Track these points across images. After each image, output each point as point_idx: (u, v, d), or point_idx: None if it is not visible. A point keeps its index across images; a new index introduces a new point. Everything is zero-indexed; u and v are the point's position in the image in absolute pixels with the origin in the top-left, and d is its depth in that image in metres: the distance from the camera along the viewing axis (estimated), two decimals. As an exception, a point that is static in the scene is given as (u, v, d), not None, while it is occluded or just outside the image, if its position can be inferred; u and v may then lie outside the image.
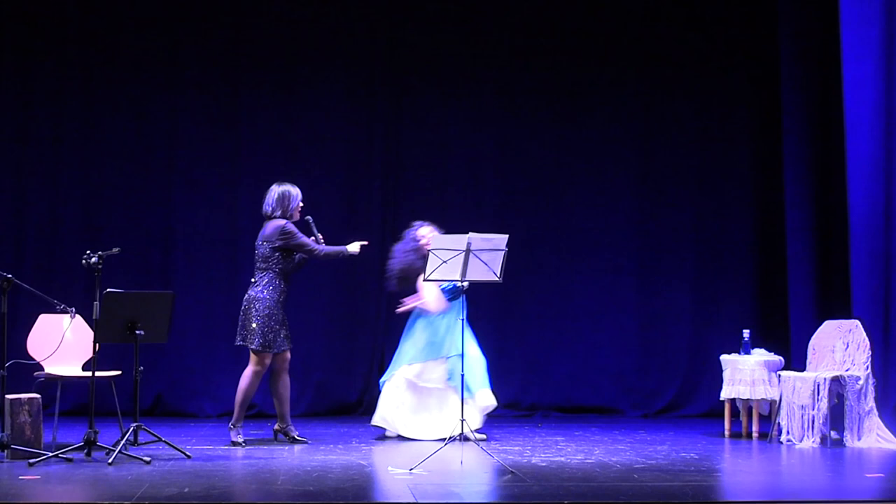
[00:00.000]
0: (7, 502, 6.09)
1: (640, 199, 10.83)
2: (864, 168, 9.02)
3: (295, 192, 8.43)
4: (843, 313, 9.03)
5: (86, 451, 7.40)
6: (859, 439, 8.41)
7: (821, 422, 8.42)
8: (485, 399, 8.76)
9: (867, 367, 8.52)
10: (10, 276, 7.39)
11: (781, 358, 9.12)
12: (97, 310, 7.44)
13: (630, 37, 10.81)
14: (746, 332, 9.15)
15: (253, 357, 8.25)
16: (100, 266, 7.50)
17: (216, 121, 10.53)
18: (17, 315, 8.94)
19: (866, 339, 8.59)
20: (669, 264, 10.80)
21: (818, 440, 8.42)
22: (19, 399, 7.50)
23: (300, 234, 8.32)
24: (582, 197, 10.80)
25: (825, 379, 8.45)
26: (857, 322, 8.70)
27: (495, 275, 7.71)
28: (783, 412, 8.66)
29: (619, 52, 10.81)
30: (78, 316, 7.96)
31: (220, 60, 10.56)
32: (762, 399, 8.90)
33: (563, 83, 10.80)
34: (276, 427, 8.53)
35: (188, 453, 7.61)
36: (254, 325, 8.18)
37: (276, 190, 8.41)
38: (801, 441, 8.48)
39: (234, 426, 8.26)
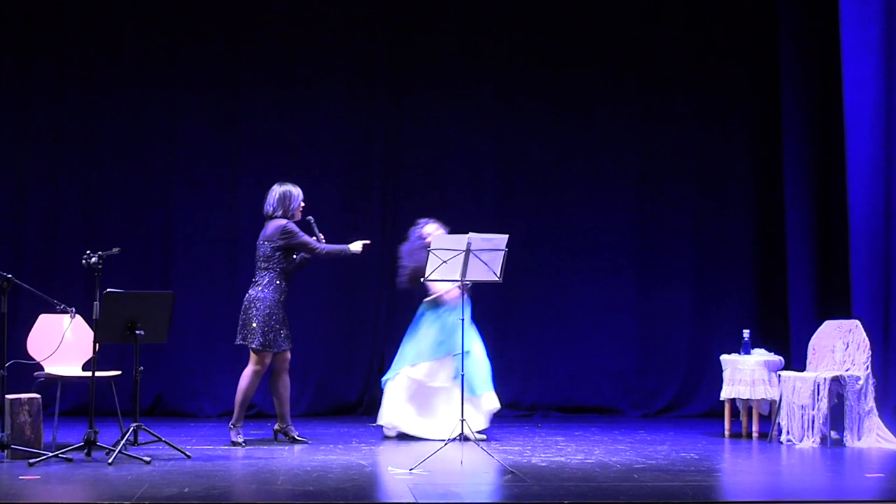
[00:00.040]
0: (7, 502, 6.09)
1: (640, 199, 10.84)
2: (864, 168, 9.02)
3: (296, 192, 8.43)
4: (843, 313, 9.03)
5: (86, 451, 7.40)
6: (859, 439, 8.41)
7: (821, 422, 8.42)
8: (490, 402, 8.75)
9: (867, 367, 8.52)
10: (10, 276, 7.39)
11: (781, 358, 9.12)
12: (97, 310, 7.44)
13: (630, 37, 10.81)
14: (746, 332, 9.15)
15: (253, 356, 8.25)
16: (100, 266, 7.50)
17: (216, 121, 10.53)
18: (17, 315, 8.94)
19: (866, 339, 8.59)
20: (669, 264, 10.80)
21: (818, 440, 8.42)
22: (19, 399, 7.50)
23: (301, 233, 8.32)
24: (582, 197, 10.80)
25: (825, 379, 8.45)
26: (857, 322, 8.70)
27: (495, 275, 7.72)
28: (783, 412, 8.66)
29: (619, 52, 10.81)
30: (78, 316, 7.96)
31: (220, 60, 10.57)
32: (762, 399, 8.90)
33: (563, 83, 10.80)
34: (276, 427, 8.53)
35: (188, 453, 7.61)
36: (254, 324, 8.18)
37: (277, 190, 8.42)
38: (801, 441, 8.48)
39: (234, 426, 8.27)
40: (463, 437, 7.64)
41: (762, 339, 9.71)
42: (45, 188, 10.38)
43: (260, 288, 8.25)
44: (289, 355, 8.43)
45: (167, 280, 10.30)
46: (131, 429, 7.65)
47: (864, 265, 8.98)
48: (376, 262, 10.48)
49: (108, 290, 7.55)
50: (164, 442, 7.71)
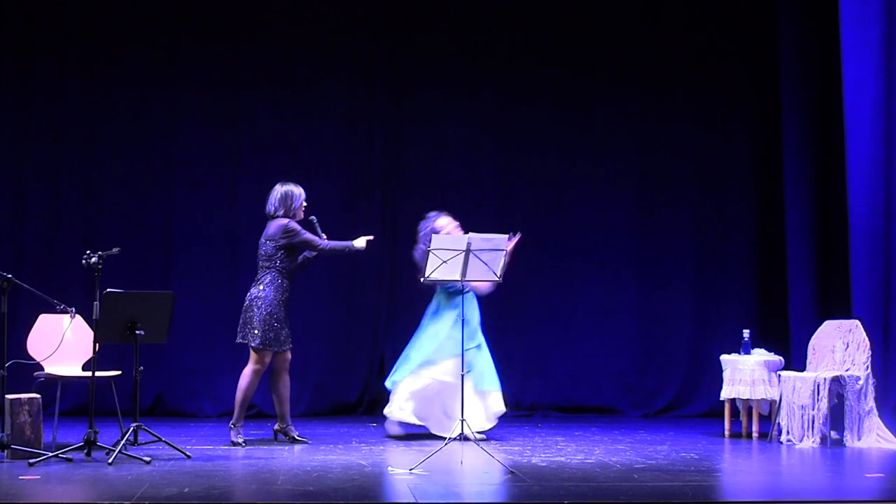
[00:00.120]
0: (7, 502, 6.09)
1: (640, 199, 10.84)
2: (864, 168, 9.01)
3: (298, 191, 8.44)
4: (843, 313, 9.03)
5: (86, 451, 7.40)
6: (859, 439, 8.41)
7: (821, 422, 8.42)
8: (497, 404, 8.72)
9: (867, 367, 8.52)
10: (10, 276, 7.39)
11: (781, 358, 9.12)
12: (97, 310, 7.44)
13: (630, 37, 10.81)
14: (746, 332, 9.15)
15: (253, 355, 8.25)
16: (100, 266, 7.50)
17: (216, 121, 10.53)
18: (17, 315, 8.93)
19: (866, 339, 8.59)
20: (669, 264, 10.80)
21: (818, 440, 8.42)
22: (19, 399, 7.50)
23: (304, 231, 8.33)
24: (582, 197, 10.80)
25: (825, 379, 8.45)
26: (857, 322, 8.70)
27: (495, 275, 7.72)
28: (783, 412, 8.66)
29: (619, 52, 10.81)
30: (78, 316, 7.96)
31: (220, 60, 10.57)
32: (762, 399, 8.90)
33: (563, 83, 10.80)
34: (276, 427, 8.53)
35: (188, 453, 7.61)
36: (255, 322, 8.19)
37: (279, 189, 8.43)
38: (801, 441, 8.48)
39: (235, 426, 8.26)
40: (463, 437, 7.64)
41: (762, 339, 9.70)
42: (45, 188, 10.38)
43: (262, 287, 8.25)
44: (289, 355, 8.43)
45: (167, 280, 10.30)
46: (131, 429, 7.65)
47: (864, 265, 8.98)
48: (376, 263, 10.49)
49: (108, 290, 7.55)
50: (164, 442, 7.71)
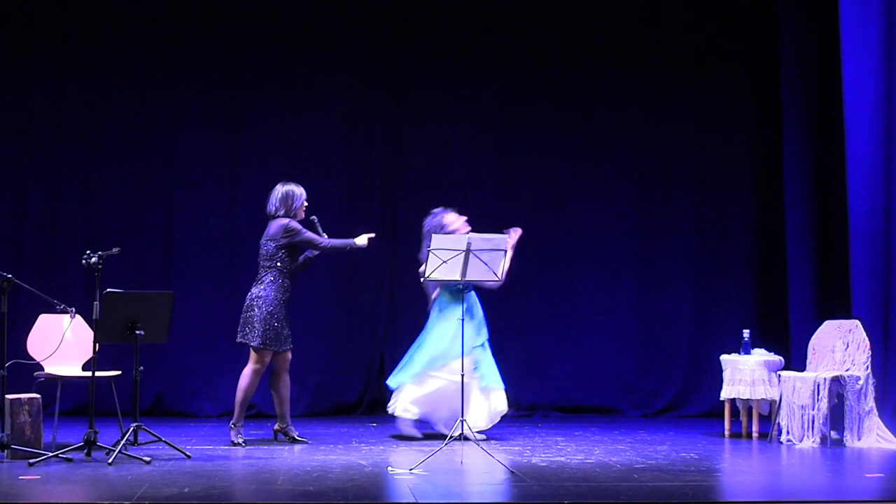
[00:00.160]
0: (7, 502, 6.09)
1: (640, 199, 10.83)
2: (864, 168, 9.01)
3: (299, 191, 8.44)
4: (843, 313, 9.03)
5: (86, 451, 7.40)
6: (859, 439, 8.41)
7: (821, 422, 8.42)
8: (500, 402, 8.71)
9: (867, 367, 8.52)
10: (10, 276, 7.39)
11: (781, 358, 9.12)
12: (97, 310, 7.44)
13: (630, 37, 10.81)
14: (746, 332, 9.15)
15: (253, 355, 8.25)
16: (100, 266, 7.50)
17: (216, 120, 10.53)
18: (17, 315, 8.93)
19: (866, 339, 8.59)
20: (669, 264, 10.80)
21: (818, 440, 8.42)
22: (19, 399, 7.50)
23: (305, 230, 8.34)
24: (582, 197, 10.80)
25: (825, 379, 8.45)
26: (857, 322, 8.70)
27: (495, 275, 7.72)
28: (783, 412, 8.66)
29: (619, 52, 10.81)
30: (78, 316, 7.96)
31: (220, 60, 10.56)
32: (762, 399, 8.90)
33: (563, 83, 10.80)
34: (276, 427, 8.53)
35: (188, 453, 7.61)
36: (255, 322, 8.19)
37: (280, 189, 8.43)
38: (801, 441, 8.48)
39: (235, 426, 8.26)
40: (463, 437, 7.64)
41: (762, 339, 9.71)
42: (45, 188, 10.38)
43: (263, 286, 8.25)
44: (290, 355, 8.43)
45: (167, 280, 10.30)
46: (131, 429, 7.65)
47: (864, 265, 8.98)
48: (376, 263, 10.49)
49: (108, 290, 7.55)
50: (164, 442, 7.71)
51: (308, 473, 6.98)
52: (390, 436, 8.83)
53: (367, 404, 10.45)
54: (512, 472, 7.08)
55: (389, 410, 8.83)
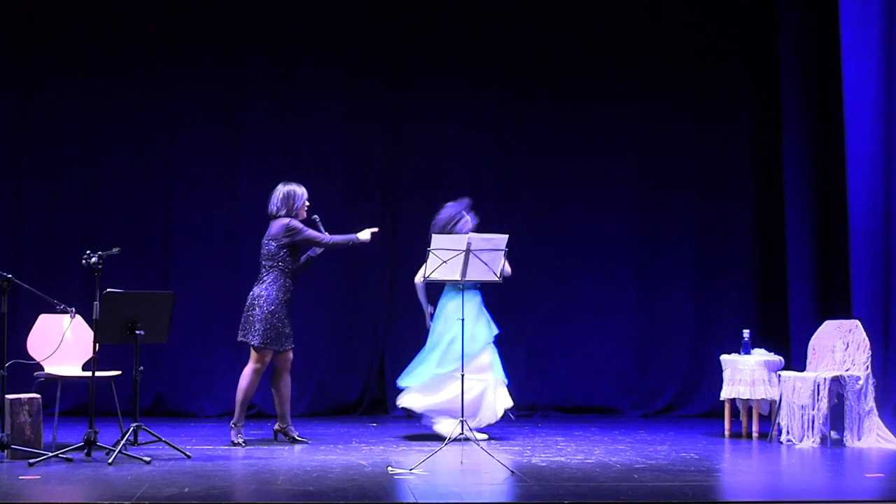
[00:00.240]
0: (7, 502, 6.09)
1: (640, 199, 10.83)
2: (864, 168, 9.01)
3: (300, 191, 8.44)
4: (843, 313, 9.03)
5: (86, 451, 7.40)
6: (859, 439, 8.41)
7: (821, 422, 8.42)
8: (506, 398, 8.71)
9: (867, 367, 8.52)
10: (10, 276, 7.39)
11: (781, 358, 9.12)
12: (97, 310, 7.44)
13: (630, 37, 10.81)
14: (746, 332, 9.15)
15: (253, 354, 8.25)
16: (100, 266, 7.50)
17: (216, 120, 10.53)
18: (17, 315, 8.94)
19: (866, 339, 8.59)
20: (669, 264, 10.80)
21: (818, 440, 8.42)
22: (19, 399, 7.50)
23: (307, 229, 8.34)
24: (582, 197, 10.80)
25: (825, 379, 8.45)
26: (857, 322, 8.70)
27: (495, 275, 7.72)
28: (783, 412, 8.66)
29: (619, 52, 10.81)
30: (78, 316, 7.96)
31: (220, 60, 10.56)
32: (762, 399, 8.90)
33: (563, 83, 10.79)
34: (276, 427, 8.53)
35: (188, 453, 7.61)
36: (256, 321, 8.19)
37: (281, 189, 8.43)
38: (801, 441, 8.48)
39: (235, 426, 8.26)
40: (463, 437, 7.64)
41: (762, 339, 9.71)
42: (45, 188, 10.37)
43: (264, 286, 8.25)
44: (291, 355, 8.42)
45: (167, 280, 10.30)
46: (131, 429, 7.65)
47: (864, 265, 8.98)
48: (377, 262, 10.49)
49: (108, 290, 7.55)
50: (164, 442, 7.71)
51: (308, 473, 6.98)
52: (403, 436, 8.83)
53: (368, 404, 10.46)
54: (512, 472, 7.08)
55: (417, 409, 8.71)
